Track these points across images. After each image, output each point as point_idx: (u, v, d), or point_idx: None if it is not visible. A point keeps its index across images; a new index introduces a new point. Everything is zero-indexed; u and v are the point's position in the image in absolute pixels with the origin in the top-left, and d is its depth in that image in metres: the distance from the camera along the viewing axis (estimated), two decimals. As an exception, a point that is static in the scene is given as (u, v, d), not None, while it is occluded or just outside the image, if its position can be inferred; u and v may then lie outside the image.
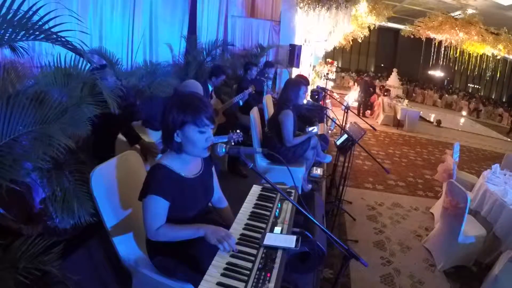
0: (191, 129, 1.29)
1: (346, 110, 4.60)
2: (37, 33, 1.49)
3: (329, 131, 5.47)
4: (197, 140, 1.31)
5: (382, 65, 23.27)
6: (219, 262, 1.22)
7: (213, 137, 1.37)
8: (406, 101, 9.59)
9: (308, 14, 5.74)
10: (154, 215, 1.30)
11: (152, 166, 1.34)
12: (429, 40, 13.90)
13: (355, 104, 10.02)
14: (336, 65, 12.31)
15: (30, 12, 1.45)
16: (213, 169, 1.63)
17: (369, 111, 10.29)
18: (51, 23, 1.55)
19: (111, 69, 2.72)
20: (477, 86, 22.98)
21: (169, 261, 1.39)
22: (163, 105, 2.28)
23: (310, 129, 3.09)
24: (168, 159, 1.35)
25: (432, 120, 11.63)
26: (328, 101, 6.37)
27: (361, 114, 9.67)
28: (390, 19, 12.34)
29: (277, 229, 1.43)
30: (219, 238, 1.26)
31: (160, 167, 1.32)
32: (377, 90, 10.56)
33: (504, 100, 20.77)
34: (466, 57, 13.78)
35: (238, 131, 2.61)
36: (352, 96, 10.10)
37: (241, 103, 3.78)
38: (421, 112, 10.28)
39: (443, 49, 13.79)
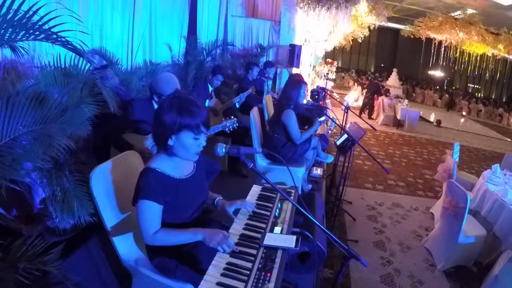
0: (187, 135, 1.28)
1: (346, 110, 4.60)
2: (37, 33, 1.49)
3: (329, 131, 5.47)
4: (190, 146, 1.30)
5: (382, 65, 23.26)
6: (219, 262, 1.22)
7: (205, 143, 1.35)
8: (406, 101, 9.59)
9: (308, 14, 5.73)
10: (149, 220, 1.29)
11: (142, 171, 1.33)
12: (429, 40, 13.91)
13: (355, 104, 9.99)
14: (336, 65, 12.30)
15: (30, 12, 1.44)
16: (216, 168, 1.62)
17: (367, 111, 10.28)
18: (51, 23, 1.55)
19: (111, 69, 2.72)
20: (477, 86, 22.99)
21: (169, 261, 1.39)
22: (147, 107, 2.27)
23: (321, 119, 3.11)
24: (158, 162, 1.34)
25: (432, 120, 11.63)
26: (328, 101, 6.36)
27: (367, 116, 9.65)
28: (390, 19, 12.34)
29: (277, 229, 1.43)
30: (218, 241, 1.26)
31: (149, 170, 1.30)
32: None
33: (504, 100, 20.78)
34: (466, 57, 13.80)
35: (232, 117, 2.58)
36: (352, 96, 10.09)
37: (237, 105, 3.78)
38: (421, 112, 10.28)
39: (443, 49, 13.80)
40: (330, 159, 3.47)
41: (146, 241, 1.33)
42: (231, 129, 2.58)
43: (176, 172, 1.37)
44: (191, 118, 1.26)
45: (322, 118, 3.15)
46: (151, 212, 1.29)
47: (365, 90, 11.43)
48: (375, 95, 9.64)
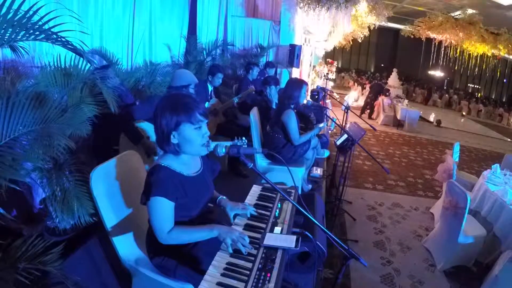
0: (186, 127, 1.29)
1: (346, 110, 4.61)
2: (37, 33, 1.49)
3: (329, 131, 5.47)
4: (194, 138, 1.31)
5: (382, 65, 23.26)
6: (219, 262, 1.22)
7: (209, 133, 1.37)
8: (406, 101, 9.59)
9: (308, 14, 5.74)
10: (162, 218, 1.29)
11: (152, 168, 1.33)
12: (429, 40, 13.91)
13: (355, 104, 9.98)
14: (336, 65, 12.30)
15: (30, 12, 1.45)
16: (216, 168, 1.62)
17: (368, 111, 10.29)
18: (51, 23, 1.55)
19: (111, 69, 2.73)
20: (477, 86, 22.99)
21: (169, 261, 1.39)
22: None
23: (320, 125, 3.14)
24: (168, 160, 1.35)
25: (432, 120, 11.63)
26: (328, 101, 6.37)
27: (367, 116, 9.65)
28: (390, 19, 12.33)
29: (277, 229, 1.43)
30: (234, 238, 1.26)
31: (160, 167, 1.31)
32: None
33: (504, 100, 20.78)
34: (466, 57, 13.79)
35: (243, 138, 2.61)
36: (352, 96, 10.07)
37: (236, 99, 3.76)
38: (421, 112, 10.27)
39: (443, 49, 13.79)
40: (326, 153, 3.48)
41: (161, 240, 1.31)
42: None
43: (185, 169, 1.38)
44: (185, 110, 1.27)
45: (321, 125, 3.18)
46: (164, 209, 1.28)
47: (365, 90, 11.40)
48: (378, 96, 9.64)
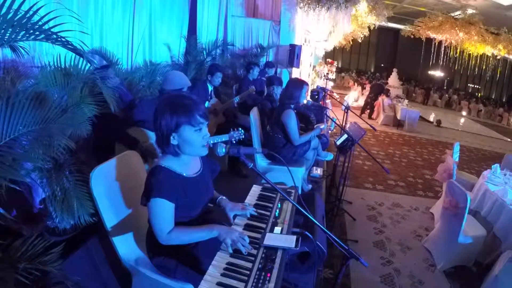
0: (186, 129, 1.28)
1: (346, 110, 4.61)
2: (37, 33, 1.49)
3: (329, 131, 5.47)
4: (194, 140, 1.31)
5: (382, 65, 23.28)
6: (219, 262, 1.22)
7: (209, 134, 1.37)
8: (406, 101, 9.59)
9: (308, 14, 5.74)
10: (163, 219, 1.29)
11: (152, 169, 1.33)
12: (429, 40, 13.92)
13: (355, 104, 9.97)
14: (336, 65, 12.31)
15: (30, 12, 1.45)
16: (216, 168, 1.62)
17: (368, 111, 10.29)
18: (51, 23, 1.55)
19: (111, 69, 2.73)
20: (477, 86, 23.00)
21: (169, 261, 1.39)
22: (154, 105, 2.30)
23: (322, 126, 3.15)
24: (168, 161, 1.34)
25: (432, 120, 11.64)
26: (328, 101, 6.37)
27: (367, 116, 9.65)
28: (390, 19, 12.34)
29: (277, 229, 1.43)
30: (234, 238, 1.26)
31: (160, 169, 1.31)
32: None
33: (504, 100, 20.79)
34: (466, 57, 13.80)
35: (239, 129, 2.61)
36: (352, 96, 10.07)
37: (237, 99, 3.76)
38: (421, 112, 10.28)
39: (443, 49, 13.80)
40: (329, 156, 3.47)
41: (161, 240, 1.31)
42: (238, 140, 2.59)
43: (185, 170, 1.38)
44: (185, 112, 1.27)
45: (322, 126, 3.19)
46: (165, 210, 1.29)
47: (365, 90, 11.38)
48: (378, 96, 9.64)
